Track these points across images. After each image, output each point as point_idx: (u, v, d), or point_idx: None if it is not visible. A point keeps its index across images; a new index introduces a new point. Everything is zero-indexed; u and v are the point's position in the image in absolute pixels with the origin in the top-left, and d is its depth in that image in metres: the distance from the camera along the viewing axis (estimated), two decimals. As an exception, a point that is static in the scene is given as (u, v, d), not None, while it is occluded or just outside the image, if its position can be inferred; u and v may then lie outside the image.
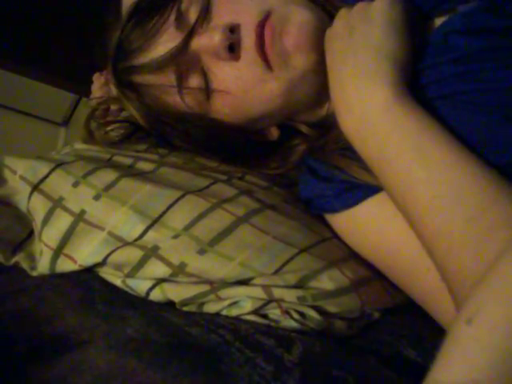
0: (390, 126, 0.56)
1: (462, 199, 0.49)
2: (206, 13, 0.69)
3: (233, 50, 0.67)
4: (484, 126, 0.55)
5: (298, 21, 0.68)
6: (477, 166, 0.51)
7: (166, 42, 0.70)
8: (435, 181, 0.51)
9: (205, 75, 0.71)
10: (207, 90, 0.71)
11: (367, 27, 0.61)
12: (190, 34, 0.68)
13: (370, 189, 0.65)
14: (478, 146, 0.53)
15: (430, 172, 0.52)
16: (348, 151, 0.68)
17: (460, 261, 0.48)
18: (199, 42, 0.69)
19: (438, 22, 0.66)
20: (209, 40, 0.68)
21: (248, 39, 0.67)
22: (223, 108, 0.73)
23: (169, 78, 0.72)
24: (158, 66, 0.70)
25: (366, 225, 0.66)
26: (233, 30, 0.67)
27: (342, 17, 0.66)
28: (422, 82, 0.60)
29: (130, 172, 0.72)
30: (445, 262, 0.50)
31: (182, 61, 0.70)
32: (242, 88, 0.70)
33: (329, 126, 0.74)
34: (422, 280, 0.61)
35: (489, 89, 0.57)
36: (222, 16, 0.69)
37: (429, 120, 0.56)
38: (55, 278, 0.67)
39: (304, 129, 0.77)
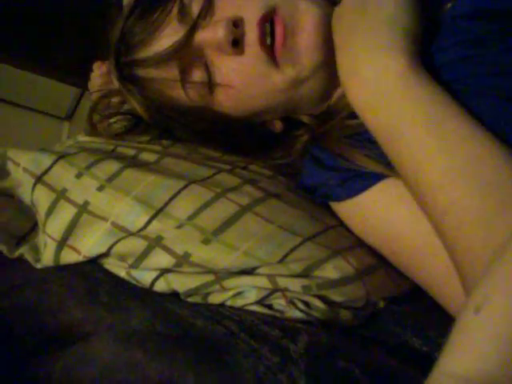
0: (405, 96, 0.55)
1: (477, 174, 0.49)
2: (209, 6, 0.69)
3: (236, 44, 0.67)
4: (490, 110, 0.55)
5: (311, 19, 0.67)
6: (490, 141, 0.50)
7: (168, 36, 0.70)
8: (450, 153, 0.50)
9: (208, 69, 0.70)
10: (210, 84, 0.71)
11: (381, 0, 0.60)
12: (193, 28, 0.68)
13: (375, 176, 0.64)
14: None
15: (445, 144, 0.51)
16: (352, 139, 0.67)
17: (470, 239, 0.47)
18: (203, 36, 0.68)
19: (448, 6, 0.65)
20: (212, 34, 0.67)
21: (251, 34, 0.67)
22: (226, 102, 0.73)
23: (172, 71, 0.71)
24: (161, 59, 0.70)
25: (371, 212, 0.66)
26: (236, 24, 0.66)
27: None
28: (429, 65, 0.59)
29: (133, 163, 0.72)
30: (455, 242, 0.50)
31: (185, 55, 0.70)
32: (245, 82, 0.70)
33: (332, 115, 0.73)
34: (428, 265, 0.60)
35: (495, 72, 0.57)
36: (225, 9, 0.68)
37: (442, 92, 0.55)
38: (59, 270, 0.67)
39: (307, 119, 0.77)
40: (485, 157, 0.49)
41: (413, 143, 0.53)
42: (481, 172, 0.48)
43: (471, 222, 0.47)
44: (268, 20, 0.67)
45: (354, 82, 0.59)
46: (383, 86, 0.56)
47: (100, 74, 1.03)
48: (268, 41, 0.67)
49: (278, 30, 0.66)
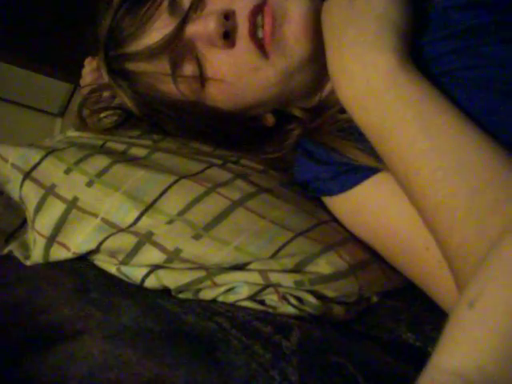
0: (394, 93, 0.55)
1: (467, 171, 0.48)
2: None
3: (228, 36, 0.66)
4: (483, 102, 0.55)
5: (299, 10, 0.67)
6: (481, 138, 0.50)
7: (159, 29, 0.69)
8: (439, 151, 0.50)
9: (199, 62, 0.70)
10: (202, 78, 0.70)
11: None
12: (184, 21, 0.67)
13: (367, 170, 0.64)
14: (477, 123, 0.52)
15: (435, 142, 0.51)
16: (344, 132, 0.67)
17: (463, 235, 0.47)
18: (193, 29, 0.68)
19: None
20: (203, 27, 0.67)
21: (242, 27, 0.66)
22: (218, 95, 0.72)
23: (163, 65, 0.71)
24: (152, 53, 0.69)
25: (363, 206, 0.66)
26: (227, 16, 0.66)
27: None
28: (421, 58, 0.59)
29: (123, 158, 0.71)
30: (447, 237, 0.49)
31: (176, 48, 0.69)
32: (236, 75, 0.69)
33: (324, 109, 0.73)
34: (420, 260, 0.60)
35: (487, 64, 0.57)
36: (216, 2, 0.68)
37: (432, 89, 0.54)
38: (49, 268, 0.67)
39: (298, 113, 0.77)
40: (475, 155, 0.49)
41: (402, 142, 0.53)
42: (472, 169, 0.48)
43: (463, 219, 0.47)
44: (259, 12, 0.66)
45: (343, 80, 0.59)
46: (372, 84, 0.56)
47: (91, 70, 1.02)
48: (259, 33, 0.67)
49: (267, 23, 0.66)
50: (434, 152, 0.51)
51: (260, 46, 0.67)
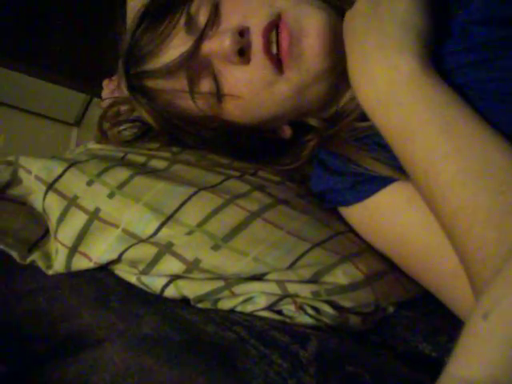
0: (417, 96, 0.55)
1: (489, 174, 0.48)
2: (215, 16, 0.69)
3: (243, 53, 0.67)
4: (503, 115, 0.54)
5: (316, 24, 0.67)
6: (502, 142, 0.50)
7: (176, 47, 0.70)
8: (461, 154, 0.50)
9: (216, 79, 0.71)
10: (218, 94, 0.71)
11: (393, 1, 0.60)
12: (200, 39, 0.68)
13: (383, 180, 0.64)
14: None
15: (457, 145, 0.51)
16: (360, 142, 0.67)
17: (482, 238, 0.47)
18: (209, 47, 0.69)
19: (459, 11, 0.65)
20: (219, 44, 0.67)
21: (257, 43, 0.67)
22: (234, 110, 0.73)
23: (180, 82, 0.72)
24: (169, 71, 0.70)
25: (379, 216, 0.66)
26: (242, 33, 0.67)
27: None
28: (441, 68, 0.59)
29: (143, 170, 0.72)
30: (466, 241, 0.49)
31: (193, 65, 0.70)
32: (252, 91, 0.70)
33: (340, 118, 0.73)
34: (436, 268, 0.60)
35: (504, 78, 0.57)
36: (231, 19, 0.69)
37: (454, 94, 0.55)
38: (71, 277, 0.68)
39: (315, 122, 0.77)
40: (496, 158, 0.49)
41: (424, 143, 0.53)
42: (492, 173, 0.48)
43: (483, 222, 0.47)
44: (273, 28, 0.67)
45: (365, 82, 0.59)
46: (395, 86, 0.56)
47: (110, 92, 1.03)
48: (274, 49, 0.67)
49: (284, 38, 0.66)
50: (455, 155, 0.51)
51: (275, 62, 0.67)
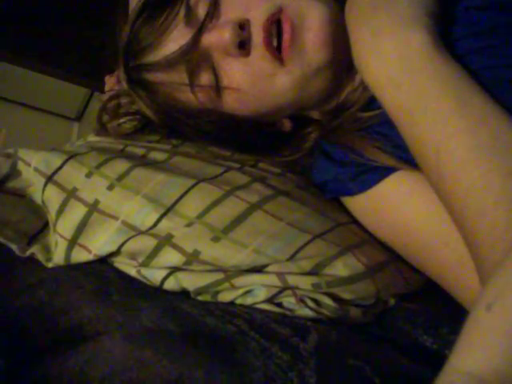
0: (429, 71, 0.54)
1: (500, 152, 0.48)
2: (214, 8, 0.68)
3: (243, 46, 0.67)
4: (508, 102, 0.53)
5: (318, 16, 0.67)
6: None
7: (176, 39, 0.69)
8: (474, 132, 0.49)
9: (215, 72, 0.70)
10: (218, 87, 0.71)
11: None
12: (200, 32, 0.68)
13: (386, 170, 0.64)
14: None
15: (470, 122, 0.50)
16: (363, 132, 0.67)
17: (493, 220, 0.46)
18: (209, 39, 0.68)
19: None
20: (219, 37, 0.67)
21: (257, 36, 0.67)
22: (234, 103, 0.72)
23: (180, 75, 0.71)
24: (169, 63, 0.70)
25: (382, 205, 0.66)
26: (242, 26, 0.66)
27: None
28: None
29: (142, 162, 0.72)
30: (476, 223, 0.48)
31: (193, 58, 0.70)
32: (252, 84, 0.70)
33: (343, 109, 0.73)
34: (440, 257, 0.60)
35: (510, 64, 0.56)
36: (231, 11, 0.68)
37: (464, 70, 0.54)
38: (70, 269, 0.68)
39: (317, 115, 0.77)
40: (509, 137, 0.48)
41: (436, 120, 0.52)
42: (505, 152, 0.47)
43: (495, 203, 0.46)
44: (274, 21, 0.66)
45: (375, 60, 0.57)
46: (406, 62, 0.55)
47: (112, 86, 1.03)
48: (274, 42, 0.67)
49: (286, 31, 0.66)
50: (469, 132, 0.50)
51: (275, 55, 0.67)
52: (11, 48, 1.90)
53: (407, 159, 0.61)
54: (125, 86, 0.77)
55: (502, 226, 0.45)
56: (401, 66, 0.55)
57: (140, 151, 0.76)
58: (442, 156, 0.51)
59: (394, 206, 0.65)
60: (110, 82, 1.05)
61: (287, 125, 0.79)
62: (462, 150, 0.50)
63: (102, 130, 0.82)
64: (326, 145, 0.73)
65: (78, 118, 2.21)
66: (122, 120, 0.83)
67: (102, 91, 1.07)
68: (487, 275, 0.46)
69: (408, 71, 0.55)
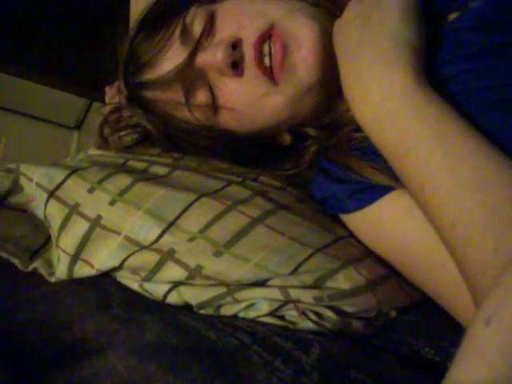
0: (411, 112, 0.55)
1: (484, 188, 0.48)
2: (209, 27, 0.69)
3: (236, 66, 0.67)
4: (499, 123, 0.55)
5: (309, 35, 0.67)
6: (498, 156, 0.50)
7: (171, 58, 0.70)
8: (456, 169, 0.50)
9: (211, 90, 0.71)
10: (214, 106, 0.72)
11: (383, 14, 0.60)
12: (195, 51, 0.69)
13: (383, 189, 0.65)
14: (494, 143, 0.52)
15: (452, 160, 0.51)
16: (359, 151, 0.68)
17: (480, 250, 0.47)
18: (203, 59, 0.69)
19: (451, 18, 0.65)
20: (212, 57, 0.68)
21: (249, 55, 0.67)
22: (231, 121, 0.73)
23: (177, 93, 0.72)
24: (165, 82, 0.71)
25: (379, 224, 0.66)
26: (235, 45, 0.67)
27: (354, 6, 0.64)
28: (437, 78, 0.59)
29: (144, 176, 0.72)
30: (464, 253, 0.49)
31: (188, 77, 0.70)
32: (246, 103, 0.70)
33: (338, 127, 0.74)
34: (437, 276, 0.60)
35: (503, 85, 0.57)
36: (225, 30, 0.69)
37: (448, 107, 0.55)
38: (73, 284, 0.68)
39: (313, 132, 0.77)
40: (493, 172, 0.49)
41: (419, 159, 0.53)
42: (490, 186, 0.48)
43: (481, 233, 0.47)
44: (265, 39, 0.67)
45: (359, 99, 0.59)
46: (389, 102, 0.56)
47: (113, 96, 1.04)
48: (267, 60, 0.67)
49: (277, 51, 0.66)
50: (451, 170, 0.51)
51: (268, 74, 0.67)
52: (10, 59, 1.91)
53: None
54: (124, 102, 0.78)
55: (490, 255, 0.46)
56: (384, 108, 0.57)
57: (141, 165, 0.76)
58: (427, 192, 0.53)
59: (390, 225, 0.65)
60: (110, 93, 1.06)
61: (287, 138, 0.79)
62: (445, 187, 0.51)
63: (103, 143, 0.82)
64: (325, 162, 0.73)
65: (78, 127, 2.21)
66: (122, 133, 0.83)
67: (102, 101, 1.08)
68: (480, 300, 0.47)
69: (390, 113, 0.56)
